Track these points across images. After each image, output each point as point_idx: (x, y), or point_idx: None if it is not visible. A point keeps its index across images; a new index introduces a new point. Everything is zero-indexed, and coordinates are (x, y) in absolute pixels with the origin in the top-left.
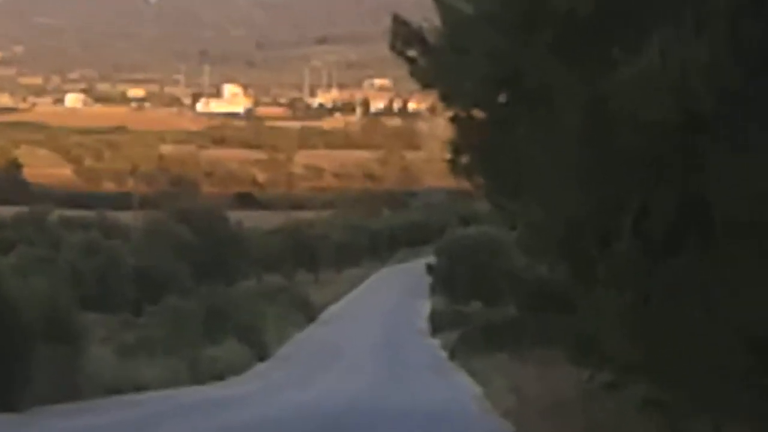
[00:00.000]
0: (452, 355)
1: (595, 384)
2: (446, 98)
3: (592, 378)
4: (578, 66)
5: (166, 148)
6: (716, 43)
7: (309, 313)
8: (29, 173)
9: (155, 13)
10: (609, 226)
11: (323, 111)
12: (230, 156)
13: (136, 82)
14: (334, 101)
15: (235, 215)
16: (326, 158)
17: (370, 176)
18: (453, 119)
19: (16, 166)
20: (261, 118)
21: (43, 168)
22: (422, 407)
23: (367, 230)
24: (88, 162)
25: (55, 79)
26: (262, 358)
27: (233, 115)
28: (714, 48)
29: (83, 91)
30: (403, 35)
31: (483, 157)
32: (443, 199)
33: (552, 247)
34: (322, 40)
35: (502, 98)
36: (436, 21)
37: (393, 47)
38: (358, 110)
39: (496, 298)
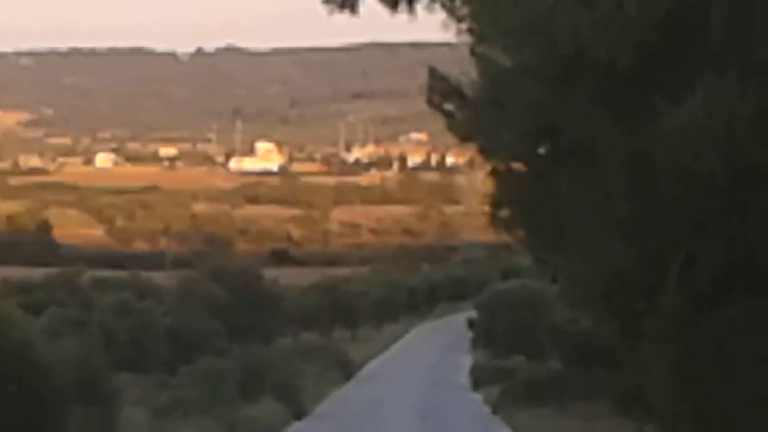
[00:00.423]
0: (495, 410)
1: None
2: (485, 151)
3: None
4: (620, 117)
5: (199, 207)
6: (763, 93)
7: (347, 371)
8: (59, 234)
9: (187, 72)
10: (654, 278)
11: (359, 166)
12: (264, 213)
13: (168, 141)
14: (370, 156)
15: (270, 273)
16: (363, 214)
17: (408, 231)
18: (492, 172)
19: (47, 227)
20: (296, 175)
21: (74, 229)
22: None
23: (406, 286)
24: (120, 222)
25: (85, 140)
26: (299, 417)
27: (267, 173)
28: (761, 98)
29: (114, 150)
30: (440, 89)
31: (523, 211)
32: (483, 253)
33: (596, 300)
34: (357, 96)
35: (541, 151)
36: (473, 74)
37: (430, 101)
38: (395, 165)
39: (538, 353)
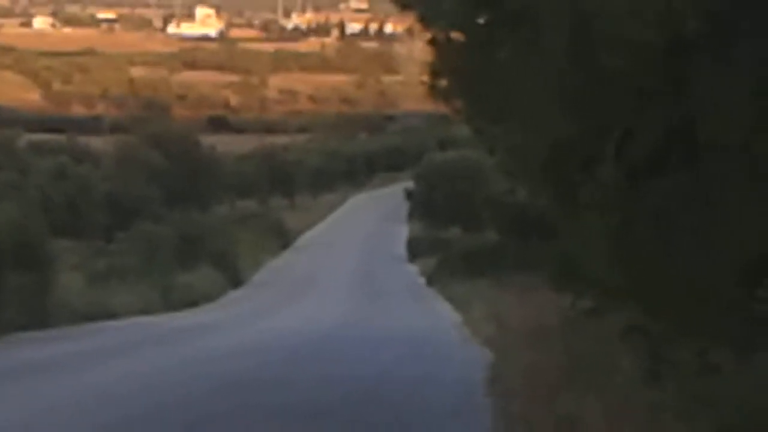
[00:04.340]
0: (430, 282)
1: (577, 310)
2: (424, 20)
3: (573, 304)
4: None
5: (137, 71)
6: None
7: (284, 239)
8: None
9: None
10: (593, 149)
11: (298, 33)
12: (202, 79)
13: (106, 5)
14: (308, 23)
15: (207, 139)
16: (301, 81)
17: (346, 100)
18: (431, 42)
19: None
20: (234, 41)
21: (11, 92)
22: (400, 334)
23: (343, 155)
24: (57, 85)
25: (23, 1)
26: (236, 285)
27: (206, 38)
28: None
29: (51, 14)
30: None
31: (462, 81)
32: (421, 123)
33: (534, 171)
34: None
35: (482, 19)
36: None
37: None
38: (334, 33)
39: (476, 224)
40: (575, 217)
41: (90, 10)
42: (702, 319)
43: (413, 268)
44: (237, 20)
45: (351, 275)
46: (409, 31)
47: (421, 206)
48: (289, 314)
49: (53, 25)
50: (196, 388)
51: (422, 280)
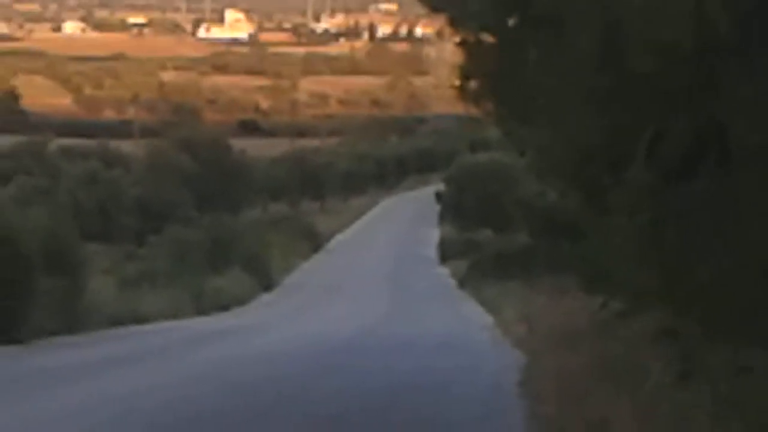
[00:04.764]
0: (462, 284)
1: (607, 313)
2: (454, 22)
3: (603, 306)
4: None
5: (167, 76)
6: None
7: (315, 242)
8: (27, 102)
9: None
10: (622, 151)
11: (328, 36)
12: (233, 83)
13: (136, 9)
14: (338, 26)
15: (238, 143)
16: (331, 84)
17: (376, 102)
18: (461, 44)
19: (14, 95)
20: (264, 44)
21: (42, 97)
22: (431, 336)
23: (374, 158)
24: (88, 90)
25: (53, 7)
26: (267, 288)
27: (236, 42)
28: None
29: (82, 18)
30: None
31: (492, 83)
32: (451, 125)
33: (564, 173)
34: None
35: (511, 21)
36: None
37: None
38: (364, 35)
39: (506, 226)
40: (605, 219)
41: (120, 14)
42: (732, 320)
43: (444, 271)
44: (267, 24)
45: (382, 278)
46: (440, 34)
47: (452, 209)
48: (320, 317)
49: (83, 30)
50: (225, 393)
51: (454, 283)
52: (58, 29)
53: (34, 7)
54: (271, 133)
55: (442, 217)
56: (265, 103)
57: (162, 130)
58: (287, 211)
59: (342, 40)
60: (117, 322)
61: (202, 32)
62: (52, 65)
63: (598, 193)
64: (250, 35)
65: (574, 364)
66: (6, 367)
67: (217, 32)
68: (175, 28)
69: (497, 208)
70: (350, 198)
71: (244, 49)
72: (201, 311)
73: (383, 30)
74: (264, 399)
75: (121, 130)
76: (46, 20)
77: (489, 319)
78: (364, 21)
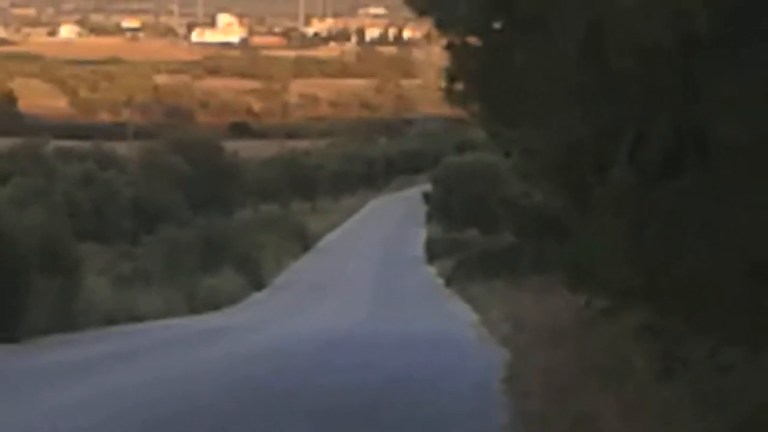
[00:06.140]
0: (448, 283)
1: (592, 311)
2: (441, 25)
3: (588, 305)
4: None
5: (161, 79)
6: None
7: (305, 242)
8: (24, 105)
9: None
10: (606, 151)
11: (318, 40)
12: (225, 86)
13: (131, 13)
14: (329, 30)
15: (230, 145)
16: (322, 87)
17: (365, 104)
18: (448, 47)
19: (11, 98)
20: (256, 48)
21: (38, 99)
22: (419, 335)
23: (363, 159)
24: (84, 93)
25: (49, 11)
26: (258, 288)
27: (228, 45)
28: None
29: (77, 22)
30: None
31: (478, 85)
32: (439, 127)
33: (548, 173)
34: None
35: (497, 24)
36: None
37: None
38: (353, 39)
39: (493, 226)
40: (589, 218)
41: (115, 19)
42: (714, 318)
43: (432, 270)
44: (258, 28)
45: (371, 277)
46: (427, 37)
47: (438, 209)
48: (310, 316)
49: (79, 34)
50: (219, 390)
51: (440, 282)
52: (54, 33)
53: (31, 12)
54: (262, 134)
55: (430, 217)
56: (256, 106)
57: (156, 132)
58: (278, 211)
59: (332, 43)
60: (112, 320)
61: (195, 36)
62: (48, 68)
63: (582, 192)
64: (242, 39)
65: (559, 361)
66: (2, 365)
67: (209, 36)
68: (169, 32)
69: (483, 208)
70: (340, 198)
71: (236, 53)
72: (194, 310)
73: (372, 33)
74: (258, 395)
75: (116, 132)
76: (42, 24)
77: (475, 317)
78: (353, 25)
